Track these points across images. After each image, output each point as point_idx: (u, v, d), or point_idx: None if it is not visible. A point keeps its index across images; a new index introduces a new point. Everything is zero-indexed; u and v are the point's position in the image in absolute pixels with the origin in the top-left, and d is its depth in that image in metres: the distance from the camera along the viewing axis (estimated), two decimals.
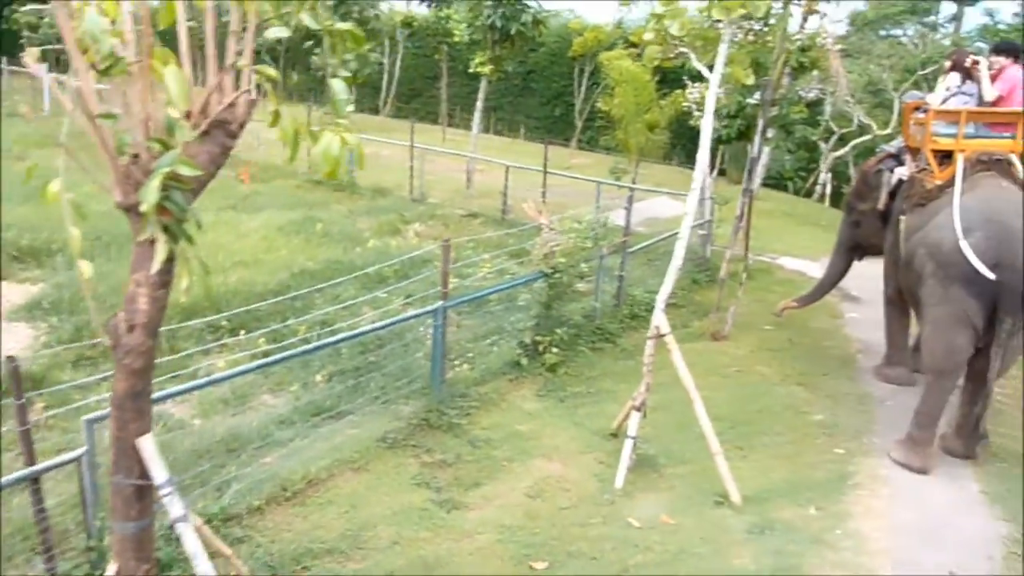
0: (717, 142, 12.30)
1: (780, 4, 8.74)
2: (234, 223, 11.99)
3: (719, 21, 5.97)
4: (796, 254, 14.11)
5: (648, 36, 6.47)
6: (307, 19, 2.96)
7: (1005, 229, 6.30)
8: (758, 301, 11.16)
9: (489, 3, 14.58)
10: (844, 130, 20.60)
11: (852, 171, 20.47)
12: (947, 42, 25.43)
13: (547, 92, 26.41)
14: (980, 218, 6.46)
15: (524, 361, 7.60)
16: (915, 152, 7.80)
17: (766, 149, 18.46)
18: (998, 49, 7.39)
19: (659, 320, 6.12)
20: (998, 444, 7.12)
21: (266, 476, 5.59)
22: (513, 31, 14.71)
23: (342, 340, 6.69)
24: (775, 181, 21.99)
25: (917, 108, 7.78)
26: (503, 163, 15.23)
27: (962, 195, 6.73)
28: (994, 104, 7.25)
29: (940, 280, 6.64)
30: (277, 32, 2.97)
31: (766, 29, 10.33)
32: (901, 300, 8.22)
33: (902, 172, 8.16)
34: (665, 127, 13.37)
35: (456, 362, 7.50)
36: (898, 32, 28.72)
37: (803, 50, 11.04)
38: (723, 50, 5.83)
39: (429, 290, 8.94)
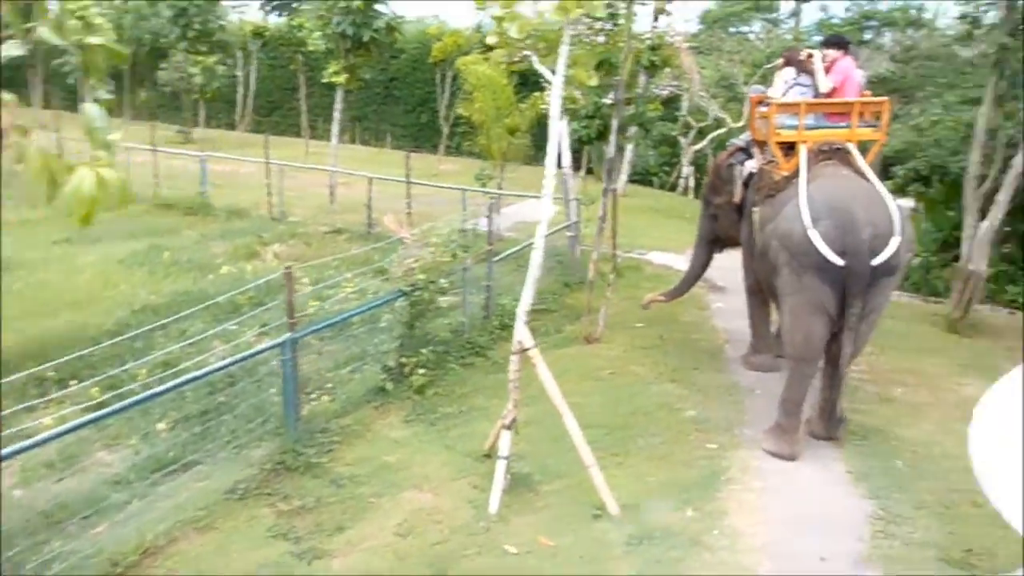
0: (579, 143, 12.31)
1: (624, 4, 8.74)
2: (68, 258, 10.94)
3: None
4: (663, 248, 14.38)
5: (491, 40, 6.24)
6: (47, 34, 2.48)
7: (849, 217, 6.47)
8: (629, 299, 11.21)
9: (339, 10, 14.02)
10: (701, 124, 21.31)
11: (711, 163, 21.23)
12: (789, 37, 26.85)
13: (411, 99, 25.96)
14: (826, 207, 6.62)
15: (389, 386, 7.19)
16: (762, 145, 7.97)
17: (629, 146, 18.84)
18: (828, 43, 7.65)
19: (521, 334, 5.88)
20: (857, 422, 7.35)
21: (95, 550, 4.94)
22: (366, 38, 14.21)
23: (185, 382, 6.08)
24: (641, 177, 22.53)
25: (761, 102, 7.95)
26: (366, 175, 14.71)
27: (808, 185, 6.88)
28: (829, 95, 7.49)
29: (794, 269, 6.76)
30: (11, 49, 2.48)
31: (615, 29, 10.39)
32: (761, 290, 8.38)
33: (752, 165, 8.33)
34: (527, 130, 13.28)
35: (315, 395, 7.01)
36: (745, 29, 30.14)
37: (653, 49, 11.14)
38: (564, 52, 5.66)
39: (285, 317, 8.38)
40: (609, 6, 10.10)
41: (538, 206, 12.92)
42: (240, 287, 9.70)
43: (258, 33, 21.91)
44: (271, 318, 8.57)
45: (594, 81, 5.92)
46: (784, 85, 7.60)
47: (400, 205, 14.56)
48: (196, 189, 15.86)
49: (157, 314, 8.84)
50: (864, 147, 7.64)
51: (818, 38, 24.01)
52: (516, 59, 5.99)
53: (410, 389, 7.35)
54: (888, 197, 6.83)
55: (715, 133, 20.89)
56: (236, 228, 13.44)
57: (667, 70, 15.59)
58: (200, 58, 17.33)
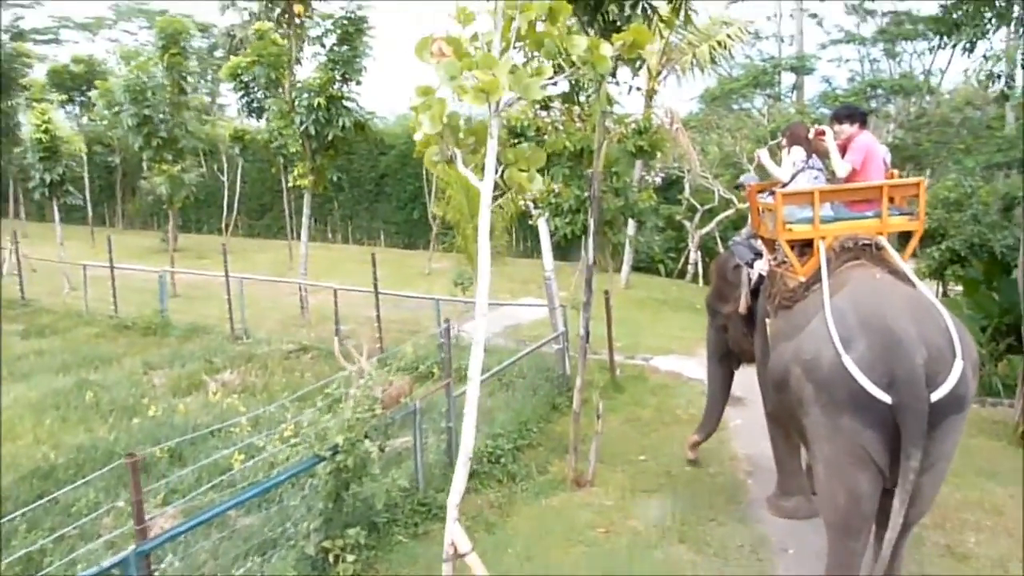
0: (564, 240, 10.91)
1: (594, 86, 7.46)
2: None
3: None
4: (671, 350, 12.73)
5: (417, 136, 4.83)
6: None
7: (891, 334, 4.88)
8: (630, 421, 9.52)
9: (301, 109, 12.98)
10: (708, 206, 19.98)
11: (721, 247, 19.75)
12: (792, 110, 25.85)
13: (402, 195, 24.93)
14: (858, 323, 5.04)
15: None
16: (771, 243, 6.47)
17: (630, 233, 17.47)
18: (840, 116, 6.22)
19: (454, 533, 4.23)
20: None
21: None
22: (331, 137, 13.10)
23: None
24: (646, 264, 21.08)
25: (762, 191, 6.49)
26: (331, 286, 13.34)
27: (832, 295, 5.33)
28: (848, 179, 6.03)
29: (824, 408, 5.12)
30: None
31: (588, 112, 9.14)
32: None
33: (761, 267, 6.82)
34: (504, 228, 11.94)
35: None
36: (748, 105, 29.26)
37: (640, 133, 9.85)
38: (492, 148, 4.25)
39: (203, 483, 6.81)
40: (579, 86, 8.88)
41: (535, 305, 11.17)
42: (166, 435, 8.19)
43: (237, 137, 21.20)
44: (184, 486, 6.99)
45: (538, 185, 4.45)
46: (792, 168, 6.14)
47: (374, 314, 13.15)
48: (155, 308, 14.55)
49: (48, 479, 7.30)
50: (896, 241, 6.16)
51: (824, 111, 22.91)
52: (449, 157, 4.54)
53: None
54: (940, 306, 5.24)
55: (723, 215, 19.52)
56: (187, 352, 11.98)
57: (663, 152, 14.36)
58: (165, 167, 16.37)
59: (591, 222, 7.50)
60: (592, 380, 10.74)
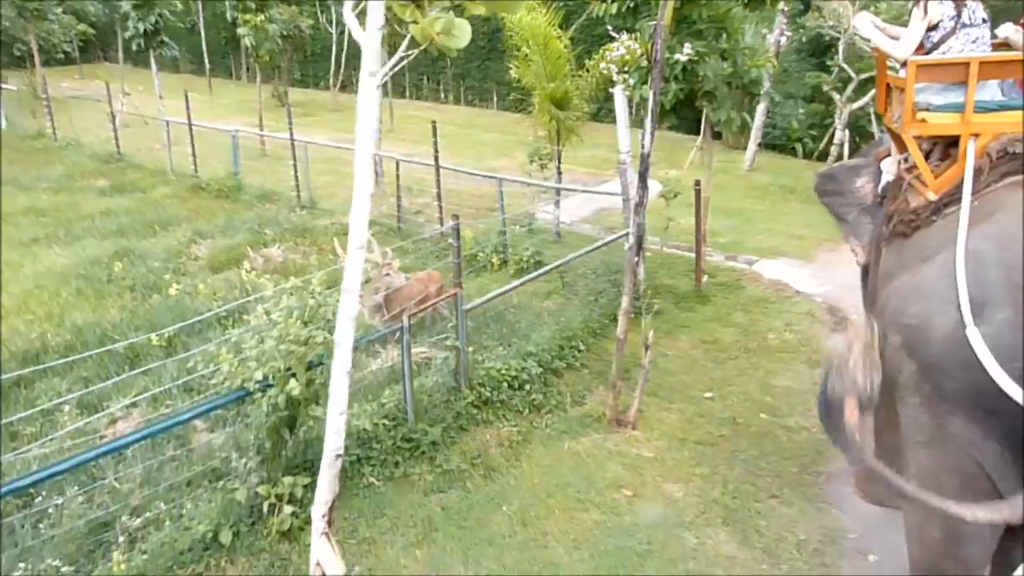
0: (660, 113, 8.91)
1: None
2: (15, 266, 9.16)
3: None
4: (783, 252, 10.62)
5: None
6: None
7: None
8: (705, 343, 7.82)
9: None
10: (865, 75, 16.62)
11: (875, 126, 16.59)
12: None
13: (516, 53, 22.71)
14: (1003, 277, 3.22)
15: (227, 536, 4.51)
16: (899, 138, 4.43)
17: (761, 105, 14.80)
18: None
19: (320, 552, 2.97)
20: None
21: None
22: None
23: None
24: (781, 143, 18.21)
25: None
26: (394, 157, 12.03)
27: (973, 227, 3.44)
28: None
29: (928, 401, 3.41)
30: None
31: None
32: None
33: (890, 168, 4.81)
34: (588, 97, 9.98)
35: (108, 551, 4.48)
36: None
37: None
38: None
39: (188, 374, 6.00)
40: None
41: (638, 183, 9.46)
42: (172, 319, 7.43)
43: None
44: (166, 376, 6.23)
45: (463, 39, 2.77)
46: (924, 30, 4.04)
47: (455, 187, 11.88)
48: (229, 170, 13.89)
49: (33, 361, 6.74)
50: None
51: None
52: None
53: (269, 535, 4.66)
54: None
55: None
56: (242, 220, 11.19)
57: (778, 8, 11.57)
58: (248, 17, 15.26)
59: (651, 93, 5.61)
60: (672, 286, 9.04)
